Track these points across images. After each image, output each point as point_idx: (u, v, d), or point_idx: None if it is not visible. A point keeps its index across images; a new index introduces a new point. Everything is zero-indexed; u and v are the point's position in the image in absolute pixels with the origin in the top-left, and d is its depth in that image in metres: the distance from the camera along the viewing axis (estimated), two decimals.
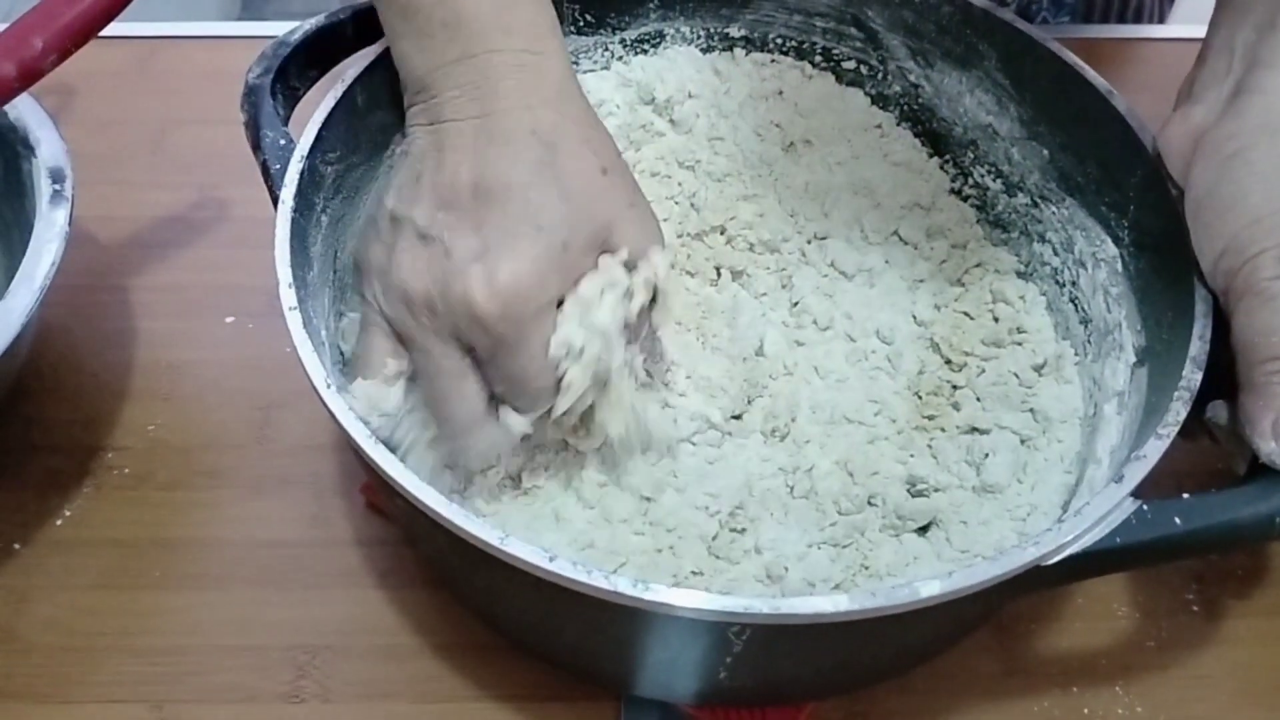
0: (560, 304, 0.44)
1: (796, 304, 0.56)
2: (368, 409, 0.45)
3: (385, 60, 0.52)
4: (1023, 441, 0.51)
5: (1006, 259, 0.58)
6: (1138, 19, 0.81)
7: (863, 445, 0.52)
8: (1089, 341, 0.53)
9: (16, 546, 0.53)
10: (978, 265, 0.57)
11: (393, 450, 0.41)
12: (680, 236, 0.58)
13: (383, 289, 0.45)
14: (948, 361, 0.55)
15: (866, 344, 0.55)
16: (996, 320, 0.55)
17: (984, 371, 0.54)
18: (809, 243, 0.58)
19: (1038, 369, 0.53)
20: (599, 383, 0.46)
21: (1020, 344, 0.54)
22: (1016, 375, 0.53)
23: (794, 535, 0.48)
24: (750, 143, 0.60)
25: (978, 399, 0.53)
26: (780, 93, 0.61)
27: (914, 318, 0.56)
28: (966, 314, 0.56)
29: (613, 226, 0.45)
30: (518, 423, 0.45)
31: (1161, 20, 0.83)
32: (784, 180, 0.59)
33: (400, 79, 0.48)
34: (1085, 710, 0.49)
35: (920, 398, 0.53)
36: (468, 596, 0.49)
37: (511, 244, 0.43)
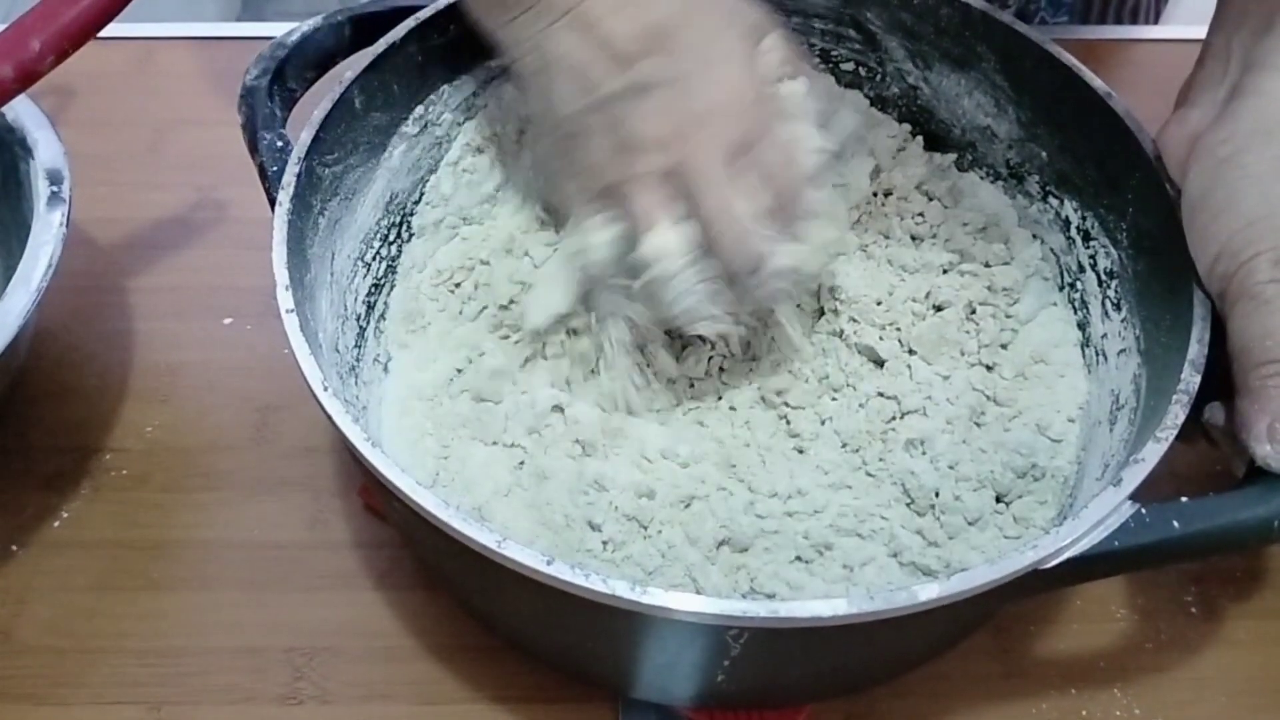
0: None
1: (800, 305, 0.56)
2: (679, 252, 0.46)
3: (383, 62, 0.53)
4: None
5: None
6: (1134, 19, 0.81)
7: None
8: (1085, 345, 0.53)
9: (14, 548, 0.53)
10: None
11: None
12: None
13: (621, 158, 0.46)
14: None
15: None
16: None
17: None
18: None
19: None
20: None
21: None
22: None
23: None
24: None
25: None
26: None
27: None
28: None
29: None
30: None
31: (1157, 20, 0.84)
32: None
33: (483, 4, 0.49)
34: (1084, 712, 0.49)
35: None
36: (465, 599, 0.49)
37: (714, 58, 0.46)
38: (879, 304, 0.55)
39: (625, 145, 0.46)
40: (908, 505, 0.49)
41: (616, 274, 0.49)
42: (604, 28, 0.45)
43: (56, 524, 0.54)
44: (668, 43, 0.45)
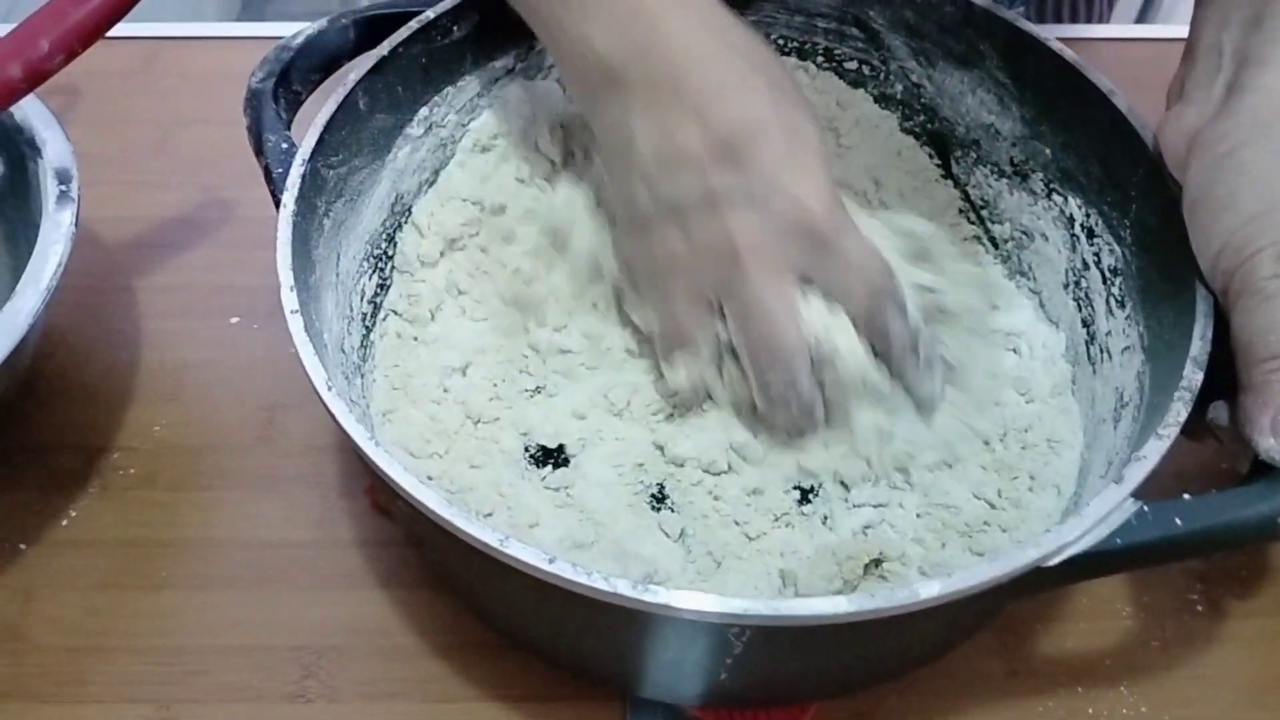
0: None
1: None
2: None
3: (387, 64, 0.53)
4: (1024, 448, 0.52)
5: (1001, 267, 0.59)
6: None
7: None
8: (1090, 342, 0.53)
9: (22, 546, 0.53)
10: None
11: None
12: None
13: (701, 262, 0.47)
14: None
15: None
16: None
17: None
18: None
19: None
20: None
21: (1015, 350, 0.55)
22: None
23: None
24: None
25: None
26: None
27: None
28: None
29: None
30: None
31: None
32: None
33: (571, 67, 0.49)
34: (1090, 710, 0.49)
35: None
36: (471, 597, 0.49)
37: (794, 166, 0.46)
38: None
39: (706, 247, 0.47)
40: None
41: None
42: (691, 125, 0.46)
43: (64, 523, 0.54)
44: (746, 150, 0.46)
